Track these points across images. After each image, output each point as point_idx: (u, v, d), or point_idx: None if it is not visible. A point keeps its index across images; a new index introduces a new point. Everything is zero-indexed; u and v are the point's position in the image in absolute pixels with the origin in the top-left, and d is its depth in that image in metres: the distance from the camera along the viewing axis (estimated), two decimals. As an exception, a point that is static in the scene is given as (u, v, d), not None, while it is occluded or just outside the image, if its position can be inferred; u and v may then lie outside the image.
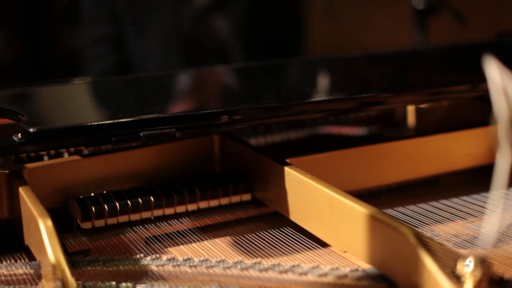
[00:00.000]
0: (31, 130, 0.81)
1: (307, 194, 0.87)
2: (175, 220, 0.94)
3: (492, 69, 0.50)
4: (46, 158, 1.04)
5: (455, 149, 1.05)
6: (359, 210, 0.79)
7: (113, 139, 0.83)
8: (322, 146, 1.03)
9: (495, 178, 0.55)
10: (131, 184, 0.97)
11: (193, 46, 2.04)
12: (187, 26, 2.03)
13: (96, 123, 0.84)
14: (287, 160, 0.92)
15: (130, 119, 0.85)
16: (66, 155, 1.04)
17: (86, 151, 1.02)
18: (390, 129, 1.30)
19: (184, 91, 1.12)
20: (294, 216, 0.90)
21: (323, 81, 1.18)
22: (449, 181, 1.08)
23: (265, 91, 1.04)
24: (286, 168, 0.90)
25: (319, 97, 1.07)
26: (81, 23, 2.27)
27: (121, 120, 0.85)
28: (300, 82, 1.18)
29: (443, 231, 0.91)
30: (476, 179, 1.10)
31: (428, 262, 0.70)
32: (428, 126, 1.28)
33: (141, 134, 0.84)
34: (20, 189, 0.84)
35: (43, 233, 0.74)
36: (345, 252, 0.83)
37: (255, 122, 1.00)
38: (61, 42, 3.03)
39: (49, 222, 0.75)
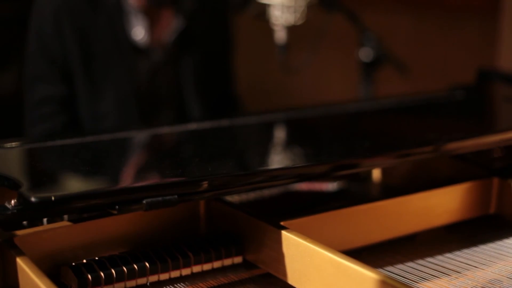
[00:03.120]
0: (33, 199, 0.79)
1: (308, 258, 0.87)
2: (170, 285, 0.92)
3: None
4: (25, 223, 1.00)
5: (435, 206, 1.07)
6: (369, 276, 0.80)
7: (117, 206, 0.82)
8: (303, 204, 1.03)
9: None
10: (118, 248, 0.95)
11: (149, 103, 1.99)
12: (144, 83, 1.97)
13: (100, 190, 0.82)
14: (282, 223, 0.93)
15: (134, 186, 0.84)
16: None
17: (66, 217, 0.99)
18: (357, 183, 1.32)
19: (179, 154, 1.10)
20: (292, 280, 0.90)
21: (294, 144, 1.19)
22: (424, 237, 1.11)
23: (257, 154, 1.04)
24: (284, 232, 0.90)
25: (298, 162, 1.08)
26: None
27: (125, 187, 0.83)
28: (277, 145, 1.19)
29: (430, 289, 0.93)
30: (451, 234, 1.12)
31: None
32: (393, 181, 1.31)
33: (144, 202, 0.83)
34: (19, 260, 0.81)
35: (55, 308, 0.72)
36: (352, 316, 0.84)
37: (256, 186, 1.00)
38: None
39: (60, 296, 0.73)
